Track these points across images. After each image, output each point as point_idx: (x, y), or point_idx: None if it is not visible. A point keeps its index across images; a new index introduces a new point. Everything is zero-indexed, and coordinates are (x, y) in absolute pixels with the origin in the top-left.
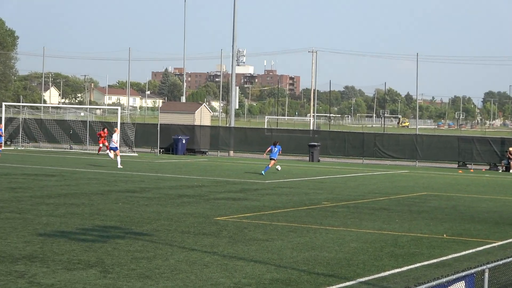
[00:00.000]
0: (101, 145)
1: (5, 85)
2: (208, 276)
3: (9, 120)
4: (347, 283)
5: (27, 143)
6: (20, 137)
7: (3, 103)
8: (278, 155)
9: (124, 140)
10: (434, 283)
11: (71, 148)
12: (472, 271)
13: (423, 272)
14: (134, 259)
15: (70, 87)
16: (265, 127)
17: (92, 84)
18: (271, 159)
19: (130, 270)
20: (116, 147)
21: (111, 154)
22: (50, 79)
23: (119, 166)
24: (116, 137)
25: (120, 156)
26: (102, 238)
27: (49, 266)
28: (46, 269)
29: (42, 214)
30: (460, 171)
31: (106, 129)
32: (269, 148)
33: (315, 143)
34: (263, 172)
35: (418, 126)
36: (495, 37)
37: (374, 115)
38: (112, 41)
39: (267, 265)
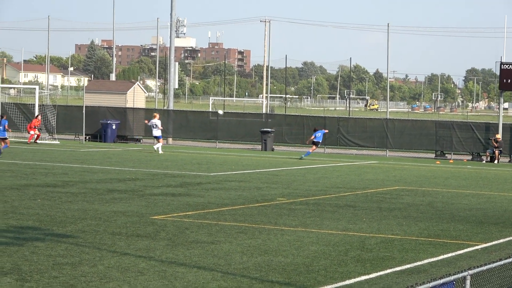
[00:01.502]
0: (32, 132)
1: None
2: (144, 284)
3: None
4: None
5: None
6: None
7: None
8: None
9: (44, 125)
10: None
11: None
12: (452, 278)
13: (395, 280)
14: (56, 265)
15: None
16: (210, 110)
17: (5, 59)
18: (316, 143)
19: (51, 278)
20: (160, 136)
21: (159, 144)
22: None
23: (160, 151)
24: (159, 123)
25: (41, 143)
26: (18, 240)
27: None
28: None
29: None
30: (438, 162)
31: (40, 116)
32: (313, 136)
33: (269, 129)
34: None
35: (389, 109)
36: (478, 5)
37: (338, 96)
38: (28, 8)
39: (213, 272)
